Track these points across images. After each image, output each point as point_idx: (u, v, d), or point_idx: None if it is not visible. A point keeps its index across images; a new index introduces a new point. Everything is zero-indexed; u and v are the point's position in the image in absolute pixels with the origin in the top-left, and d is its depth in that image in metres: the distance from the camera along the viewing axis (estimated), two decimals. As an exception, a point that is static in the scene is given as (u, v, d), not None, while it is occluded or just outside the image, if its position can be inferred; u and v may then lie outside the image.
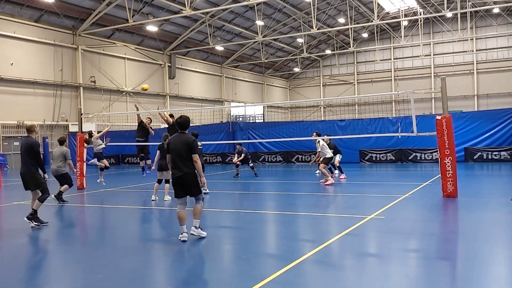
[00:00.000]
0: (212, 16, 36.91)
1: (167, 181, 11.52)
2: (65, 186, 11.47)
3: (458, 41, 46.76)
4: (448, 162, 10.57)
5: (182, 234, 7.20)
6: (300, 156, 24.06)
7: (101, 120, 31.05)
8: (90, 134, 15.81)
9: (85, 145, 15.35)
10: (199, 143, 11.53)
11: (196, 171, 7.23)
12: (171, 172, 7.53)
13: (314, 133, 15.00)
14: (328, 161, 14.57)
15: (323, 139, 14.73)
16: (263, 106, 50.22)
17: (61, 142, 11.71)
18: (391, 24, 47.62)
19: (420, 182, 13.78)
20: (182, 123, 7.41)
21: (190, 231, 7.30)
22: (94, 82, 33.19)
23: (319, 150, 14.47)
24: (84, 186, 14.77)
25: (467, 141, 20.96)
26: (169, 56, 40.66)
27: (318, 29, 38.18)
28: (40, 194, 8.77)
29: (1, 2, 27.02)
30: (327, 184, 13.97)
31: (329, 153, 14.40)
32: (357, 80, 55.13)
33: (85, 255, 6.80)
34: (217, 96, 47.31)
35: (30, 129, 8.84)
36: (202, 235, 7.33)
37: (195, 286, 5.22)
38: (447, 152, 10.60)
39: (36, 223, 8.61)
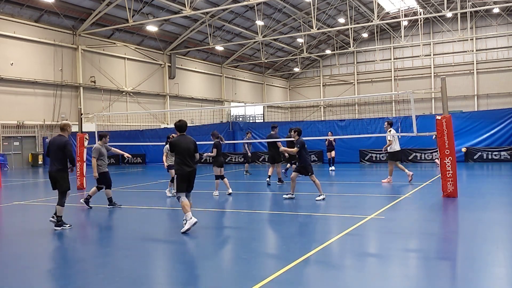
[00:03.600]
0: (212, 16, 36.92)
1: (219, 177, 12.17)
2: (94, 189, 10.81)
3: (458, 41, 46.77)
4: (448, 162, 10.57)
5: (191, 218, 7.76)
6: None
7: (101, 120, 31.06)
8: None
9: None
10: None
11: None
12: (178, 168, 8.09)
13: (386, 122, 14.35)
14: (395, 156, 13.92)
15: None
16: (263, 106, 50.23)
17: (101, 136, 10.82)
18: (391, 24, 47.63)
19: (420, 182, 13.77)
20: (181, 126, 8.22)
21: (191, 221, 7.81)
22: (94, 82, 33.20)
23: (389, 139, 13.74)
24: (84, 186, 14.78)
25: (467, 141, 20.94)
26: (169, 56, 40.67)
27: (318, 29, 38.20)
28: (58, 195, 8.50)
29: (1, 2, 27.03)
30: (384, 182, 13.93)
31: (397, 147, 13.75)
32: (357, 80, 55.14)
33: (85, 255, 6.80)
34: (217, 96, 47.32)
35: (63, 128, 8.57)
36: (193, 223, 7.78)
37: (195, 286, 5.22)
38: (447, 152, 10.60)
39: (60, 227, 8.41)
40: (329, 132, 19.71)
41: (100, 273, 5.76)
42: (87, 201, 10.65)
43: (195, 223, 7.72)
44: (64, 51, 31.29)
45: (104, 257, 6.58)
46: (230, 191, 12.24)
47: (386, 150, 14.23)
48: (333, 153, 19.27)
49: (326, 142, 19.28)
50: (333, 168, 19.00)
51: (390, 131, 13.91)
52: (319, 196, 10.81)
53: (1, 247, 7.44)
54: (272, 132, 15.17)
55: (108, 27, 32.54)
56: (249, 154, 19.12)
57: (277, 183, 14.38)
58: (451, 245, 6.87)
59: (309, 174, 10.87)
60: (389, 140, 13.82)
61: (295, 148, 10.99)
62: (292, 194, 11.17)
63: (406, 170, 13.95)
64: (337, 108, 53.82)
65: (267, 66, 54.16)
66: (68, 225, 8.46)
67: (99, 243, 7.63)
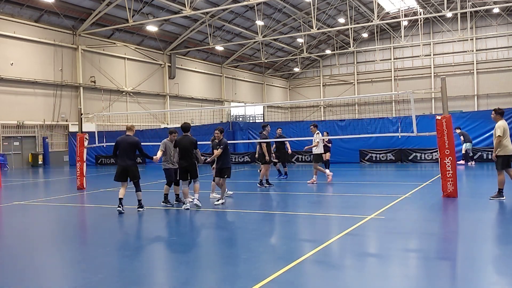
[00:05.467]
0: (212, 16, 36.92)
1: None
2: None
3: (458, 41, 46.77)
4: (448, 162, 10.57)
5: (186, 204, 10.08)
6: (300, 156, 24.04)
7: (101, 120, 31.06)
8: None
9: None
10: None
11: (195, 161, 10.37)
12: (179, 163, 10.18)
13: (312, 126, 14.67)
14: (320, 158, 14.45)
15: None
16: (263, 106, 50.22)
17: (170, 133, 11.03)
18: (391, 24, 47.63)
19: (420, 182, 13.77)
20: (185, 127, 10.24)
21: (194, 202, 10.15)
22: (94, 82, 33.19)
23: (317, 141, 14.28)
24: (84, 186, 14.77)
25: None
26: (169, 56, 40.66)
27: (318, 29, 38.19)
28: (134, 185, 10.22)
29: (1, 2, 27.02)
30: (309, 183, 14.29)
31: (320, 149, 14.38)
32: (357, 80, 55.13)
33: (85, 255, 6.80)
34: (217, 96, 47.32)
35: (130, 128, 10.35)
36: (199, 205, 10.17)
37: (195, 286, 5.22)
38: (447, 152, 10.60)
39: (142, 208, 10.13)
40: (325, 132, 18.58)
41: (100, 273, 5.76)
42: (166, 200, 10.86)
43: (186, 208, 9.92)
44: (64, 51, 31.28)
45: (104, 257, 6.58)
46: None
47: (311, 150, 14.62)
48: (327, 155, 17.82)
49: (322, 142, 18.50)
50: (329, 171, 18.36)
51: (317, 133, 14.49)
52: (218, 200, 10.74)
53: (0, 247, 7.44)
54: (263, 132, 14.69)
55: (108, 27, 32.53)
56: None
57: (258, 184, 13.87)
58: (451, 245, 6.86)
59: (225, 176, 10.75)
60: (317, 142, 14.36)
61: (219, 150, 10.63)
62: (223, 199, 10.89)
63: (327, 171, 14.58)
64: (337, 108, 53.81)
65: (267, 66, 54.15)
66: (144, 208, 10.11)
67: (99, 243, 7.62)
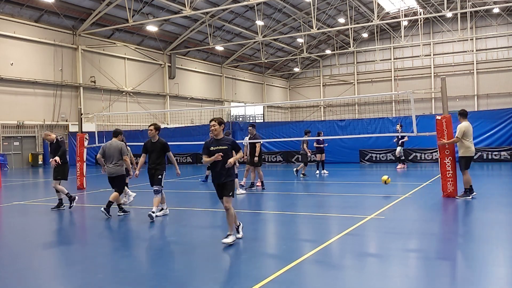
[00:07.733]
0: (212, 16, 36.92)
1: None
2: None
3: (458, 41, 46.78)
4: (448, 162, 10.58)
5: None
6: (300, 156, 24.01)
7: (101, 120, 31.06)
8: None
9: None
10: None
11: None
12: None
13: (250, 127, 13.68)
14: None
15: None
16: (263, 106, 50.22)
17: (116, 134, 10.05)
18: (391, 24, 47.64)
19: (420, 182, 13.77)
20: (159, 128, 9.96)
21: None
22: (94, 82, 33.20)
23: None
24: (84, 186, 14.77)
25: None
26: (169, 56, 40.67)
27: (318, 29, 38.19)
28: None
29: (1, 2, 27.03)
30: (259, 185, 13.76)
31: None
32: (357, 80, 55.13)
33: (85, 255, 6.80)
34: (217, 96, 47.32)
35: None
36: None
37: (195, 286, 5.21)
38: (447, 152, 10.61)
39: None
40: (320, 132, 18.03)
41: (99, 273, 5.76)
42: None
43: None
44: (64, 51, 31.29)
45: (103, 257, 6.58)
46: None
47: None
48: (323, 156, 17.53)
49: (315, 143, 17.48)
50: (325, 171, 17.46)
51: (247, 137, 13.86)
52: (160, 210, 9.65)
53: (0, 247, 7.44)
54: (254, 133, 13.69)
55: (108, 27, 32.54)
56: (309, 154, 16.73)
57: (251, 188, 13.34)
58: (451, 245, 6.86)
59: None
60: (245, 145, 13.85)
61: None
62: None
63: (243, 180, 13.54)
64: (337, 108, 53.81)
65: (267, 66, 54.16)
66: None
67: (98, 243, 7.62)
